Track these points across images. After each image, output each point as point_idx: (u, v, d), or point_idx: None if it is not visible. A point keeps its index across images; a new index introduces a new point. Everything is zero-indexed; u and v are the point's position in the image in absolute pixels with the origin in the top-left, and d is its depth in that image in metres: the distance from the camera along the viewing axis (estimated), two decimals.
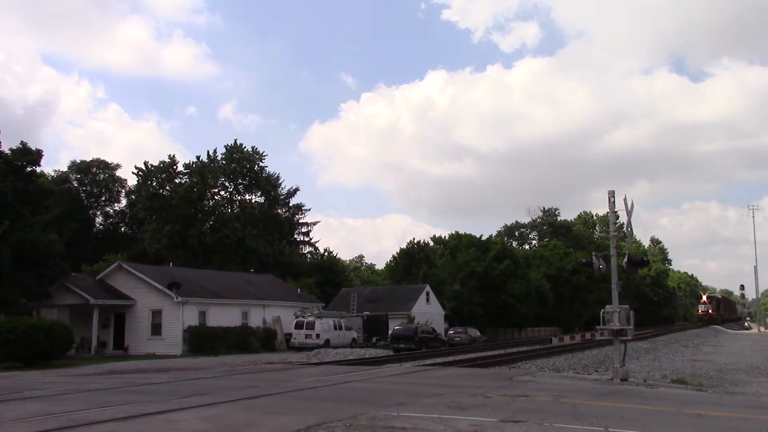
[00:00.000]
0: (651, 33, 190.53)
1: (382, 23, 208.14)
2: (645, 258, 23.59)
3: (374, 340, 46.06)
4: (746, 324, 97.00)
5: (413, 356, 31.71)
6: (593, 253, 19.28)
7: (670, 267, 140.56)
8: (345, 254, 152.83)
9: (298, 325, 40.64)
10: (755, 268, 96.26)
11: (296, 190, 70.74)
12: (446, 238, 75.83)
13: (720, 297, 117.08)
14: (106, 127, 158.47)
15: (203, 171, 61.10)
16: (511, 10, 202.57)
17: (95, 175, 65.93)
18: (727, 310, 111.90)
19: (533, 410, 11.20)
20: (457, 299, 59.92)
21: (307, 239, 72.97)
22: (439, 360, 29.04)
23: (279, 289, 49.39)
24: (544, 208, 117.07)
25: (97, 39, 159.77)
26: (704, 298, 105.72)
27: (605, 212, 21.35)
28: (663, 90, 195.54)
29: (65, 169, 65.60)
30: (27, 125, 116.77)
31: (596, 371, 24.41)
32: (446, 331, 51.83)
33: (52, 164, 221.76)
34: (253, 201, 68.22)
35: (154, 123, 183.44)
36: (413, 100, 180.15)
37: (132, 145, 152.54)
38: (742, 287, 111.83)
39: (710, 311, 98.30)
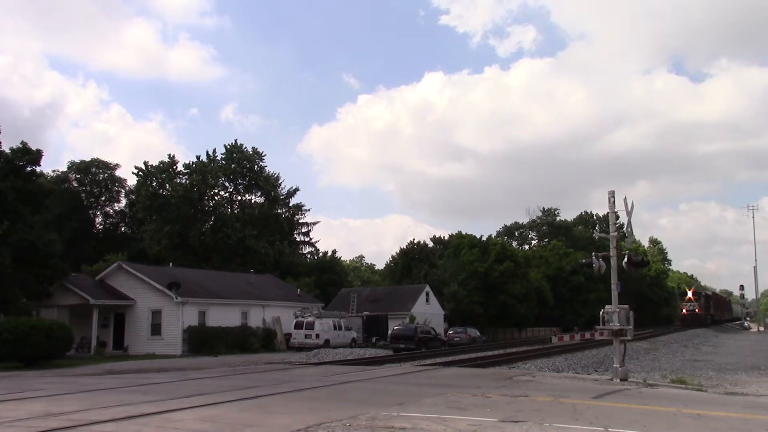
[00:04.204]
0: (650, 34, 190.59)
1: (382, 27, 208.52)
2: (645, 258, 23.54)
3: (374, 340, 46.10)
4: (746, 324, 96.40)
5: (413, 356, 31.75)
6: (593, 254, 19.22)
7: (670, 267, 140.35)
8: (345, 254, 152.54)
9: (298, 325, 40.68)
10: (755, 268, 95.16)
11: (296, 190, 70.91)
12: (446, 238, 75.91)
13: (711, 293, 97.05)
14: (109, 128, 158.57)
15: (203, 171, 61.16)
16: (511, 13, 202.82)
17: (95, 175, 65.96)
18: (720, 309, 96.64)
19: (533, 410, 11.19)
20: (457, 299, 59.94)
21: (307, 239, 73.12)
22: (438, 360, 29.04)
23: (279, 289, 49.42)
24: (543, 209, 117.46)
25: (103, 42, 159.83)
26: (690, 294, 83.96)
27: (605, 212, 21.31)
28: (663, 90, 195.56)
29: (66, 169, 65.77)
30: (34, 127, 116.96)
31: (596, 371, 24.43)
32: (446, 331, 51.85)
33: (56, 165, 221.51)
34: (253, 201, 68.27)
35: (157, 124, 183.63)
36: (411, 102, 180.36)
37: (135, 146, 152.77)
38: (741, 287, 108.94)
39: (697, 310, 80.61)
